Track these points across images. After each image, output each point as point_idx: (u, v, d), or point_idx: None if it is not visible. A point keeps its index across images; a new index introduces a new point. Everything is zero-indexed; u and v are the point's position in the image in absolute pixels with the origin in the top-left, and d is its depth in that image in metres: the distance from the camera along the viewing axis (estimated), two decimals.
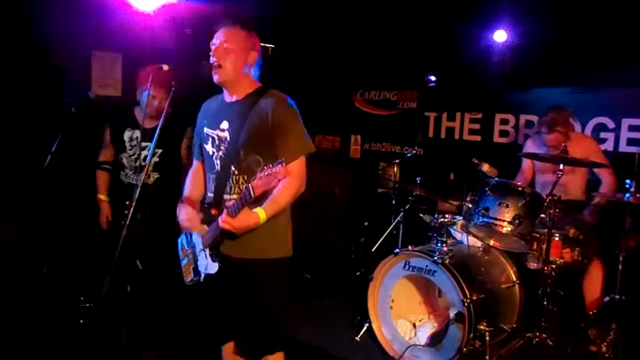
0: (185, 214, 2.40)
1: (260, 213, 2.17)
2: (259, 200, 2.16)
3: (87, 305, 3.46)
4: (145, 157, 3.22)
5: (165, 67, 2.43)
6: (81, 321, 3.40)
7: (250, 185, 2.06)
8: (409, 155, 4.26)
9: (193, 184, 2.52)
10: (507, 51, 4.44)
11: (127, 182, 3.30)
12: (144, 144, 3.20)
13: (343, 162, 5.54)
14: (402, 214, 3.95)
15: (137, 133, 3.26)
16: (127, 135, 3.28)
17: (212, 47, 2.32)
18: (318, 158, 5.96)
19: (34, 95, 4.44)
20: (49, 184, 3.77)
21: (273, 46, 5.60)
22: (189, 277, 2.47)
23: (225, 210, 2.18)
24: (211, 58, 2.30)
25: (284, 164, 2.00)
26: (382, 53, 5.19)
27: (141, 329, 3.29)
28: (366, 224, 4.96)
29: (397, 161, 4.27)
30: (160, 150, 3.26)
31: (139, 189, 2.41)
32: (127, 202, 2.49)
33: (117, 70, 4.95)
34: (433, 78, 4.94)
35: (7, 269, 4.12)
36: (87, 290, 3.41)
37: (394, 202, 4.10)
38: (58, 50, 4.50)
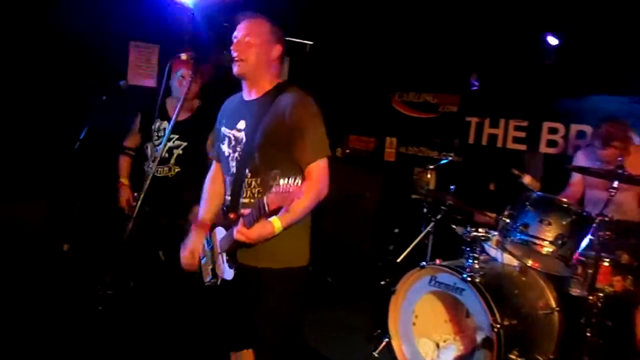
0: (189, 247, 2.32)
1: (276, 223, 2.01)
2: (276, 210, 1.98)
3: (108, 292, 3.41)
4: (170, 149, 3.19)
5: (184, 56, 2.27)
6: (100, 308, 3.34)
7: (264, 200, 1.90)
8: (444, 161, 3.93)
9: (211, 194, 2.39)
10: (559, 55, 4.03)
11: (147, 172, 3.23)
12: (171, 135, 3.19)
13: (376, 165, 5.30)
14: (433, 223, 3.63)
15: (166, 124, 3.22)
16: (155, 125, 3.23)
17: (234, 40, 2.15)
18: (350, 159, 5.76)
19: (70, 82, 4.43)
20: (77, 169, 3.78)
21: (311, 43, 5.38)
22: (207, 277, 2.36)
23: (241, 220, 2.02)
24: (232, 52, 2.13)
25: (299, 183, 1.84)
26: (424, 54, 4.92)
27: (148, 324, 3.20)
28: (397, 231, 4.71)
29: (431, 167, 3.95)
30: (184, 144, 3.19)
31: (148, 180, 2.27)
32: (135, 194, 2.37)
33: (154, 61, 4.92)
34: (476, 81, 4.61)
35: (30, 250, 4.12)
36: (109, 278, 3.35)
37: (425, 210, 3.79)
38: (97, 40, 4.49)
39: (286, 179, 1.83)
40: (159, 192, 2.89)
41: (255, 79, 2.18)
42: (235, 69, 2.14)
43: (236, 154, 2.18)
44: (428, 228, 3.65)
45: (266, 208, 1.90)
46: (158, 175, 3.18)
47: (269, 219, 2.00)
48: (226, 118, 2.29)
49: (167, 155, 3.18)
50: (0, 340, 2.98)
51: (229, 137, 2.22)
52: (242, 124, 2.18)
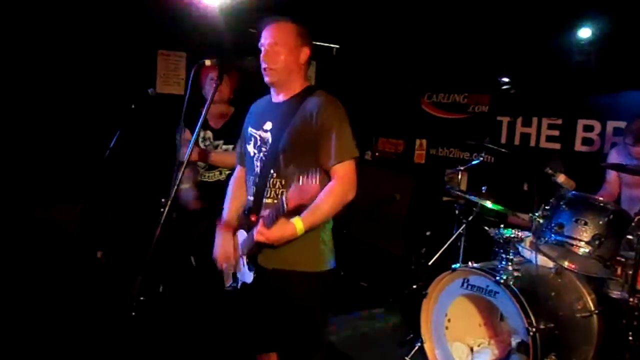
0: (221, 247, 2.32)
1: (297, 224, 2.00)
2: (297, 211, 1.98)
3: (141, 298, 3.48)
4: None
5: (208, 62, 2.30)
6: (133, 314, 3.41)
7: (284, 197, 1.90)
8: (475, 162, 3.88)
9: (235, 196, 2.40)
10: (592, 49, 3.93)
11: (202, 181, 3.31)
12: (216, 142, 3.24)
13: (406, 167, 5.27)
14: (464, 225, 3.58)
15: (209, 133, 3.28)
16: (200, 134, 3.29)
17: (262, 48, 2.17)
18: (379, 162, 5.75)
19: (101, 90, 4.57)
20: (109, 175, 3.85)
21: (338, 46, 5.40)
22: (228, 282, 2.37)
23: (260, 221, 2.02)
24: (262, 61, 2.15)
25: (317, 180, 1.83)
26: (453, 54, 4.88)
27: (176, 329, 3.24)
28: (428, 233, 4.66)
29: (462, 168, 3.91)
30: (231, 147, 3.25)
31: (175, 187, 2.27)
32: (163, 200, 2.41)
33: (182, 69, 5.01)
34: (507, 80, 4.54)
35: (64, 255, 4.23)
36: (142, 284, 3.42)
37: (457, 211, 3.74)
38: (126, 48, 4.62)
39: (305, 177, 1.84)
40: (215, 197, 2.91)
41: (285, 83, 2.20)
42: (267, 79, 2.17)
43: (261, 154, 2.20)
44: (459, 230, 3.60)
45: (285, 206, 1.90)
46: (210, 180, 3.24)
47: (291, 220, 1.99)
48: (253, 119, 2.32)
49: None
50: (35, 345, 3.06)
51: (255, 138, 2.25)
52: (268, 125, 2.20)
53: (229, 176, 3.18)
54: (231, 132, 3.17)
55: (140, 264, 2.27)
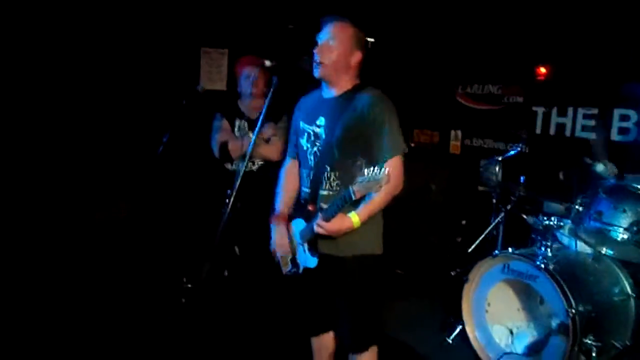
0: (279, 239, 2.46)
1: (354, 217, 2.18)
2: (358, 200, 2.15)
3: (189, 286, 3.69)
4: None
5: (268, 63, 2.45)
6: (183, 300, 3.63)
7: (351, 188, 2.04)
8: (512, 152, 4.00)
9: (287, 188, 2.55)
10: (629, 36, 3.99)
11: (232, 170, 3.41)
12: (251, 133, 3.33)
13: (441, 158, 5.38)
14: (502, 214, 3.73)
15: (244, 123, 3.40)
16: (236, 124, 3.42)
17: (318, 42, 2.30)
18: (415, 153, 5.86)
19: (148, 88, 4.77)
20: (162, 170, 4.07)
21: (372, 40, 5.53)
22: (287, 268, 2.52)
23: (320, 215, 2.19)
24: (315, 55, 2.28)
25: (387, 171, 1.95)
26: (487, 45, 4.95)
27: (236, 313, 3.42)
28: (464, 222, 4.78)
29: (499, 158, 4.03)
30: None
31: (240, 177, 2.45)
32: (229, 191, 2.58)
33: (224, 66, 5.19)
34: (542, 70, 4.61)
35: (117, 245, 4.48)
36: (190, 272, 3.62)
37: (494, 201, 3.89)
38: (170, 46, 4.82)
39: (372, 168, 1.97)
40: (247, 187, 3.12)
41: (335, 80, 2.33)
42: (316, 73, 2.30)
43: (315, 149, 2.35)
44: (498, 218, 3.74)
45: (353, 197, 2.04)
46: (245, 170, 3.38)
47: (348, 214, 2.17)
48: (304, 114, 2.45)
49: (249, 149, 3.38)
50: (91, 332, 3.27)
51: (308, 133, 2.39)
52: (321, 120, 2.34)
53: (261, 168, 3.35)
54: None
55: (208, 251, 2.47)
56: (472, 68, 5.21)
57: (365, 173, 1.97)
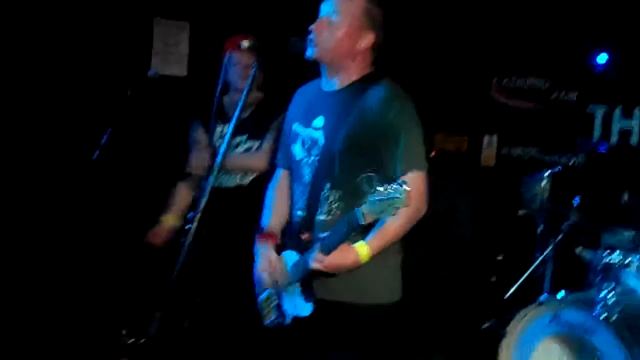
0: (266, 263, 2.45)
1: (362, 249, 2.17)
2: (368, 227, 2.15)
3: (132, 340, 3.69)
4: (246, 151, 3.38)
5: (246, 44, 2.51)
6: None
7: (359, 210, 2.03)
8: (562, 167, 4.10)
9: (277, 206, 2.57)
10: None
11: (215, 188, 3.43)
12: (238, 138, 3.35)
13: (471, 171, 5.47)
14: (551, 247, 3.82)
15: (229, 127, 3.41)
16: (217, 131, 3.40)
17: (318, 16, 2.33)
18: (436, 164, 5.89)
19: (82, 72, 4.71)
20: (98, 181, 4.00)
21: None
22: (269, 317, 2.52)
23: (318, 245, 2.18)
24: (311, 32, 2.31)
25: (407, 189, 1.94)
26: (531, 24, 5.06)
27: None
28: (500, 258, 4.86)
29: (547, 173, 4.13)
30: (256, 143, 3.39)
31: (206, 194, 2.47)
32: (191, 214, 2.61)
33: (184, 44, 5.14)
34: (603, 59, 4.72)
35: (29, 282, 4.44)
36: (134, 322, 3.63)
37: (540, 229, 3.99)
38: (111, 16, 4.77)
39: (388, 184, 1.96)
40: (231, 207, 3.17)
41: (337, 66, 2.32)
42: (309, 53, 2.30)
43: (311, 159, 2.36)
44: (545, 253, 3.82)
45: (360, 221, 2.02)
46: (227, 186, 3.36)
47: (353, 245, 2.16)
48: (299, 112, 2.46)
49: None
50: None
51: (303, 138, 2.40)
52: (320, 121, 2.34)
53: (253, 181, 3.37)
54: (258, 125, 3.36)
55: (161, 295, 2.46)
56: (512, 54, 5.29)
57: (379, 190, 1.97)
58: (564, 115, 5.04)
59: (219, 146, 3.34)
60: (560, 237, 3.80)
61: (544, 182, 4.23)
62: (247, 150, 3.39)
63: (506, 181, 5.17)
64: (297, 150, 2.43)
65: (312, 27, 2.31)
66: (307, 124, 2.40)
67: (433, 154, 5.52)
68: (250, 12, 4.86)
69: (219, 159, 2.53)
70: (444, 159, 5.57)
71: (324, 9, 2.32)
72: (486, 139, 5.52)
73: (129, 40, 4.90)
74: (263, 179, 3.29)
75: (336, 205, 2.29)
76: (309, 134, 2.39)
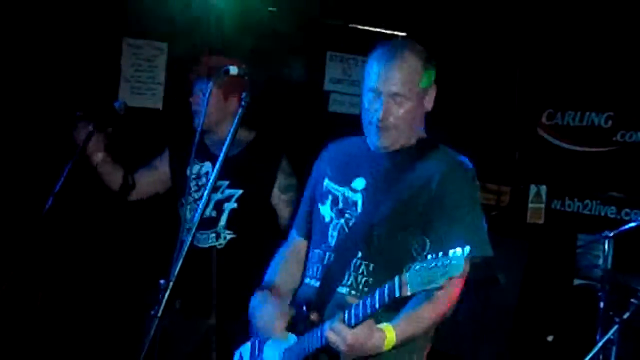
0: (266, 310, 2.46)
1: (388, 332, 2.19)
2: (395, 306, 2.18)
3: None
4: (219, 203, 3.38)
5: (233, 71, 2.49)
6: None
7: (398, 278, 2.05)
8: (633, 224, 4.04)
9: (284, 267, 2.62)
10: None
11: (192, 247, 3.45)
12: (219, 182, 3.35)
13: (514, 230, 5.46)
14: (616, 326, 3.74)
15: (209, 166, 3.44)
16: (194, 169, 3.45)
17: (371, 94, 2.39)
18: None
19: (36, 101, 4.75)
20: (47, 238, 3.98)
21: (405, 34, 5.66)
22: None
23: (340, 315, 2.19)
24: (373, 114, 2.38)
25: (466, 255, 1.95)
26: (589, 51, 5.09)
27: None
28: (550, 339, 4.79)
29: (610, 234, 4.07)
30: (238, 192, 3.39)
31: (180, 261, 2.42)
32: (162, 281, 2.57)
33: (160, 69, 5.18)
34: None
35: None
36: None
37: (602, 304, 3.93)
38: (72, 33, 4.80)
39: (435, 253, 1.98)
40: (201, 274, 3.10)
41: (396, 136, 2.41)
42: (379, 141, 2.40)
43: (343, 221, 2.43)
44: (609, 334, 3.74)
45: (396, 291, 2.04)
46: (200, 246, 3.36)
47: (379, 326, 2.18)
48: (334, 168, 2.56)
49: (214, 213, 3.39)
50: None
51: (336, 196, 2.48)
52: (360, 183, 2.45)
53: (230, 243, 3.38)
54: (243, 170, 3.35)
55: None
56: (565, 84, 5.32)
57: (428, 259, 2.00)
58: (631, 160, 5.03)
59: (199, 188, 3.42)
60: (627, 314, 3.71)
61: (606, 245, 4.20)
62: (228, 199, 3.38)
63: (558, 243, 5.20)
64: (326, 210, 2.52)
65: (380, 115, 2.37)
66: (344, 182, 2.50)
67: None
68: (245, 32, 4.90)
69: (198, 212, 2.54)
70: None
71: (381, 87, 2.38)
72: (533, 189, 5.52)
73: (95, 62, 4.93)
74: (244, 240, 3.36)
75: (364, 280, 2.36)
76: (344, 193, 2.48)
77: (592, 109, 5.27)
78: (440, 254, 1.97)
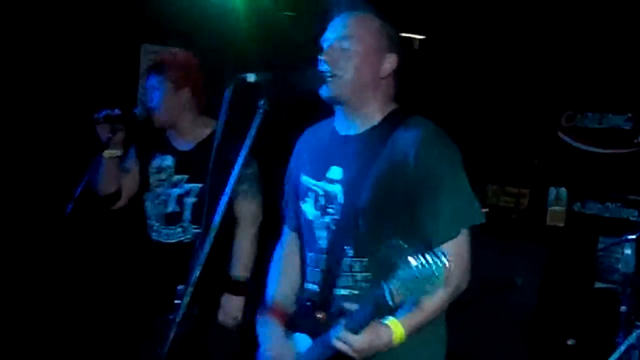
0: (277, 347, 2.43)
1: (396, 328, 2.15)
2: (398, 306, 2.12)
3: None
4: (179, 197, 3.38)
5: (251, 78, 2.45)
6: None
7: (387, 288, 2.00)
8: None
9: (285, 273, 2.58)
10: None
11: (156, 241, 3.45)
12: (176, 177, 3.38)
13: (533, 233, 5.42)
14: (638, 330, 3.71)
15: (170, 160, 3.44)
16: (155, 163, 3.46)
17: (324, 45, 2.35)
18: (490, 224, 5.83)
19: (56, 110, 4.79)
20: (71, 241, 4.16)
21: (422, 37, 5.64)
22: None
23: (343, 323, 2.15)
24: (320, 63, 2.32)
25: (448, 263, 1.92)
26: (610, 50, 5.06)
27: None
28: (571, 342, 4.76)
29: (633, 237, 4.04)
30: (198, 187, 3.37)
31: (199, 268, 2.42)
32: (180, 287, 2.56)
33: None
34: None
35: None
36: None
37: (624, 308, 3.87)
38: (90, 41, 4.83)
39: (423, 256, 1.92)
40: (169, 270, 3.09)
41: (357, 104, 2.34)
42: (326, 90, 2.31)
43: (327, 219, 2.36)
44: (632, 340, 3.71)
45: (389, 302, 1.99)
46: (167, 241, 3.39)
47: (385, 321, 2.13)
48: (308, 161, 2.48)
49: (177, 208, 3.38)
50: None
51: (315, 192, 2.40)
52: (336, 172, 2.35)
53: (198, 236, 3.34)
54: (199, 164, 3.23)
55: None
56: (585, 87, 5.30)
57: (410, 264, 1.94)
58: None
59: (160, 182, 3.42)
60: None
61: (627, 248, 4.17)
62: (188, 193, 3.38)
63: (579, 246, 5.17)
64: (309, 208, 2.43)
65: (323, 57, 2.32)
66: (320, 175, 2.41)
67: (486, 210, 5.48)
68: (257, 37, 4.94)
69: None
70: (500, 219, 5.58)
71: (330, 34, 2.36)
72: (553, 192, 5.50)
73: (114, 70, 4.95)
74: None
75: (362, 276, 2.29)
76: (323, 187, 2.40)
77: (612, 111, 5.26)
78: (424, 258, 1.91)
